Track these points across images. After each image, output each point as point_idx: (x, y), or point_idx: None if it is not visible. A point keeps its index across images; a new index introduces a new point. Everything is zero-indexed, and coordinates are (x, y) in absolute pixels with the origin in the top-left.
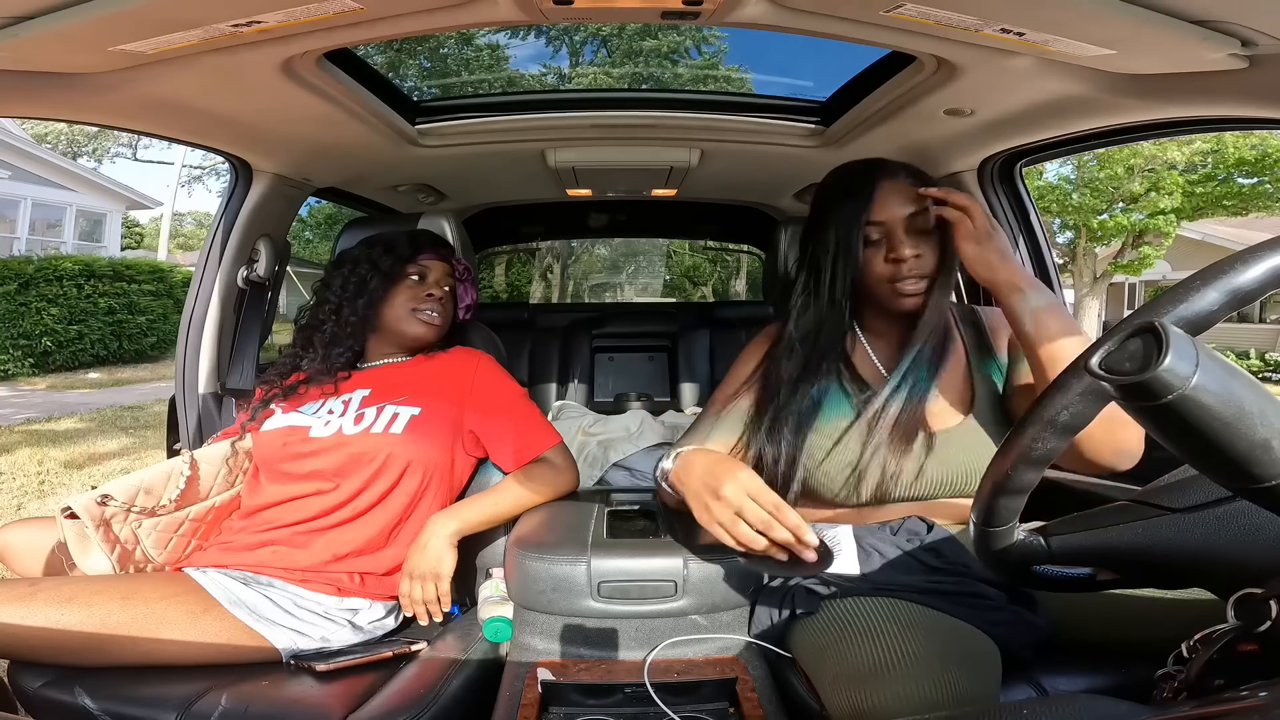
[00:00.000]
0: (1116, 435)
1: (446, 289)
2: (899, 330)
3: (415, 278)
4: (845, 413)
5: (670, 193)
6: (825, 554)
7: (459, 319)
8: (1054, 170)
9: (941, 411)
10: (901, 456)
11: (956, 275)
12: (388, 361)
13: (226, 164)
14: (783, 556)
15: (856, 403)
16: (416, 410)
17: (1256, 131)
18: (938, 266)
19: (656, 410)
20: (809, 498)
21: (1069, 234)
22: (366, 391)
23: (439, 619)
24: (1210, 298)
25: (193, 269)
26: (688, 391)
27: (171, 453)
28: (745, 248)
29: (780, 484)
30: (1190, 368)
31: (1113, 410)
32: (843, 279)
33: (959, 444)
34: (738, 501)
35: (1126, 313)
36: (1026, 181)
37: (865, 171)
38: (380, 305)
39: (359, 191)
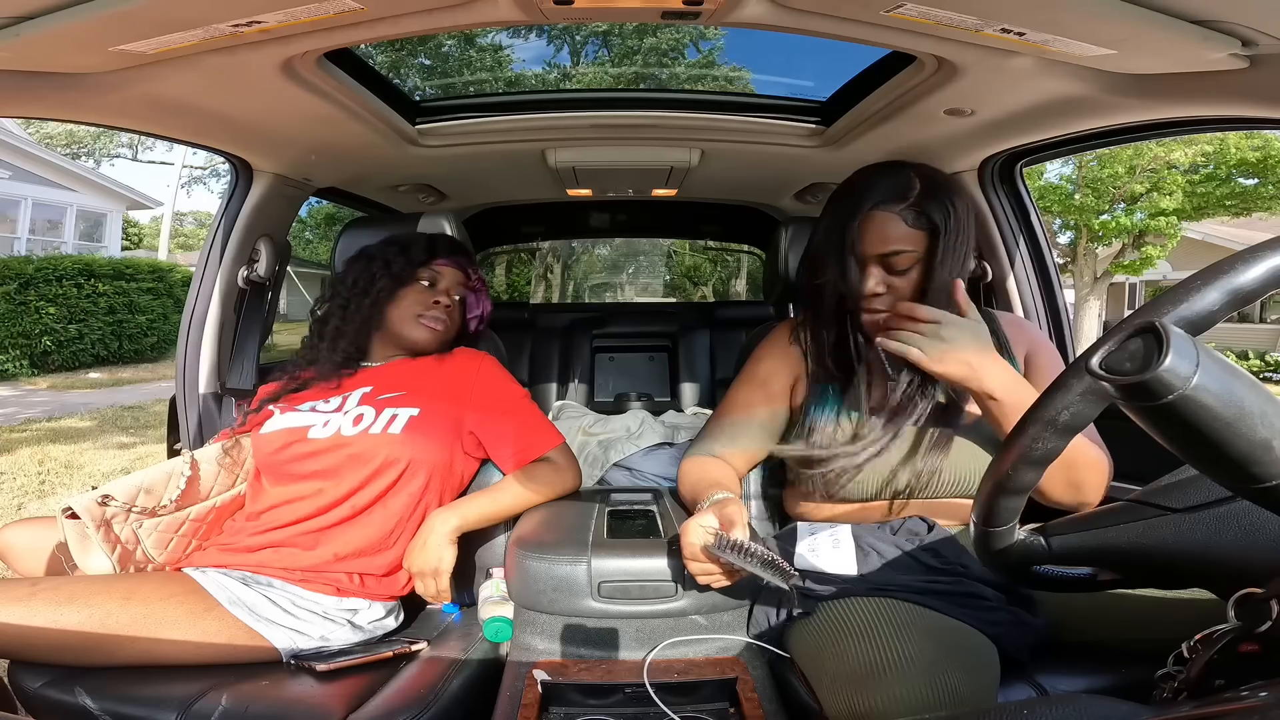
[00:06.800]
0: (1072, 475)
1: (457, 298)
2: None
3: (425, 283)
4: (862, 416)
5: (670, 193)
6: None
7: (471, 330)
8: (1055, 170)
9: (953, 404)
10: (925, 452)
11: None
12: (390, 361)
13: (227, 164)
14: (726, 582)
15: (873, 404)
16: (415, 411)
17: (1260, 132)
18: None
19: (657, 410)
20: (833, 500)
21: (1070, 234)
22: (367, 390)
23: (449, 599)
24: (1211, 298)
25: (193, 269)
26: (688, 391)
27: (172, 453)
28: (745, 248)
29: (811, 488)
30: (1191, 368)
31: (1071, 453)
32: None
33: (977, 436)
34: (688, 553)
35: (1127, 313)
36: (1027, 181)
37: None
38: (386, 306)
39: (359, 192)
